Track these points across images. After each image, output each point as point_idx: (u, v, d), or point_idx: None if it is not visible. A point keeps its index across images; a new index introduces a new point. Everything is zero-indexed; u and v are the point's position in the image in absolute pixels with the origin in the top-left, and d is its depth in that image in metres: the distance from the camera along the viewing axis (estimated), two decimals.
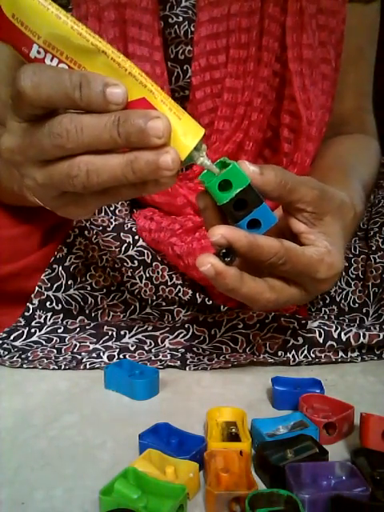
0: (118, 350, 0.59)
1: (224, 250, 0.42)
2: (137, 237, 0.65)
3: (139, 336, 0.61)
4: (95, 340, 0.61)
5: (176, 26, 0.65)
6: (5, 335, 0.61)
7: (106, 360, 0.59)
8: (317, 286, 0.48)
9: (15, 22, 0.37)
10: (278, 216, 0.47)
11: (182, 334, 0.61)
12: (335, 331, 0.58)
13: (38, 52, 0.37)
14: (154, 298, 0.64)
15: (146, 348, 0.60)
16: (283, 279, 0.46)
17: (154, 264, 0.64)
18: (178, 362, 0.58)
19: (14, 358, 0.59)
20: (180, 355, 0.59)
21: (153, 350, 0.60)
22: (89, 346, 0.60)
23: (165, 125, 0.36)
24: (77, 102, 0.36)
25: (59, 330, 0.63)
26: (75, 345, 0.61)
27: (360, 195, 0.56)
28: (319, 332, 0.58)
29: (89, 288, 0.65)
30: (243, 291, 0.44)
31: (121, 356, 0.59)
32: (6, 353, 0.60)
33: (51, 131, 0.37)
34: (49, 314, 0.64)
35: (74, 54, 0.37)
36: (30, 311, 0.63)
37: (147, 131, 0.36)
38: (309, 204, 0.45)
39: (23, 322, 0.63)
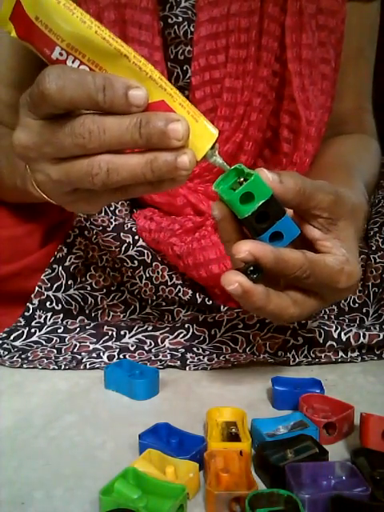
0: (118, 350, 0.59)
1: (251, 267, 0.40)
2: (137, 237, 0.65)
3: (139, 336, 0.61)
4: (95, 340, 0.61)
5: (176, 27, 0.65)
6: (5, 335, 0.62)
7: (106, 360, 0.59)
8: (336, 295, 0.47)
9: (39, 24, 0.37)
10: None
11: (182, 334, 0.61)
12: (335, 331, 0.58)
13: (60, 54, 0.38)
14: (154, 298, 0.64)
15: (146, 348, 0.60)
16: (303, 291, 0.45)
17: (154, 264, 0.64)
18: (178, 362, 0.58)
19: (14, 358, 0.59)
20: (180, 355, 0.59)
21: (153, 350, 0.60)
22: (89, 346, 0.60)
23: (184, 128, 0.37)
24: (100, 104, 0.37)
25: (59, 330, 0.63)
26: (75, 345, 0.61)
27: (364, 195, 0.55)
28: (319, 332, 0.58)
29: (89, 288, 0.65)
30: (269, 308, 0.43)
31: (121, 356, 0.59)
32: (6, 353, 0.60)
33: (73, 131, 0.38)
34: (49, 314, 0.64)
35: (96, 57, 0.38)
36: (30, 311, 0.63)
37: (168, 133, 0.37)
38: (324, 210, 0.44)
39: (23, 322, 0.63)
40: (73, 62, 0.38)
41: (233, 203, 0.40)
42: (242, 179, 0.40)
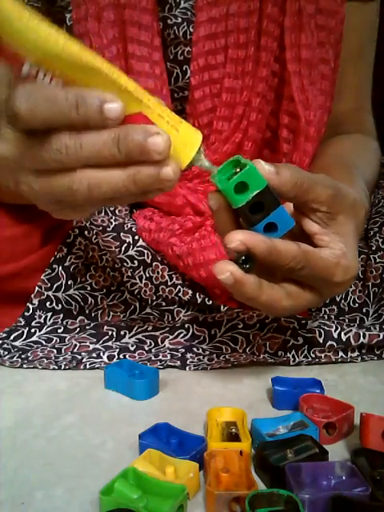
0: (118, 350, 0.59)
1: (243, 257, 0.40)
2: (137, 237, 0.65)
3: (139, 336, 0.61)
4: (95, 340, 0.61)
5: (175, 27, 0.65)
6: (5, 335, 0.62)
7: (106, 360, 0.59)
8: (332, 289, 0.47)
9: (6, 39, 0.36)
10: None
11: (182, 334, 0.61)
12: (335, 331, 0.58)
13: (31, 69, 0.37)
14: (154, 297, 0.64)
15: (146, 348, 0.60)
16: (298, 284, 0.45)
17: (154, 264, 0.64)
18: (178, 362, 0.58)
19: (14, 358, 0.59)
20: (180, 355, 0.59)
21: (153, 350, 0.60)
22: (89, 346, 0.60)
23: (165, 140, 0.36)
24: (75, 122, 0.36)
25: (59, 330, 0.63)
26: (75, 345, 0.61)
27: (366, 193, 0.55)
28: (319, 332, 0.58)
29: (89, 288, 0.65)
30: (262, 299, 0.42)
31: (121, 356, 0.59)
32: (6, 353, 0.60)
33: (50, 147, 0.37)
34: (49, 314, 0.64)
35: (68, 71, 0.37)
36: (30, 311, 0.63)
37: (148, 147, 0.36)
38: (323, 204, 0.44)
39: (23, 322, 0.63)
40: (44, 76, 0.37)
41: (227, 192, 0.41)
42: (238, 169, 0.40)
